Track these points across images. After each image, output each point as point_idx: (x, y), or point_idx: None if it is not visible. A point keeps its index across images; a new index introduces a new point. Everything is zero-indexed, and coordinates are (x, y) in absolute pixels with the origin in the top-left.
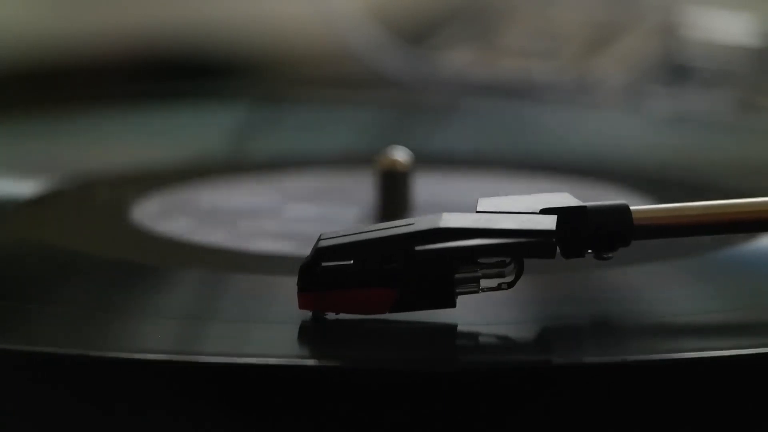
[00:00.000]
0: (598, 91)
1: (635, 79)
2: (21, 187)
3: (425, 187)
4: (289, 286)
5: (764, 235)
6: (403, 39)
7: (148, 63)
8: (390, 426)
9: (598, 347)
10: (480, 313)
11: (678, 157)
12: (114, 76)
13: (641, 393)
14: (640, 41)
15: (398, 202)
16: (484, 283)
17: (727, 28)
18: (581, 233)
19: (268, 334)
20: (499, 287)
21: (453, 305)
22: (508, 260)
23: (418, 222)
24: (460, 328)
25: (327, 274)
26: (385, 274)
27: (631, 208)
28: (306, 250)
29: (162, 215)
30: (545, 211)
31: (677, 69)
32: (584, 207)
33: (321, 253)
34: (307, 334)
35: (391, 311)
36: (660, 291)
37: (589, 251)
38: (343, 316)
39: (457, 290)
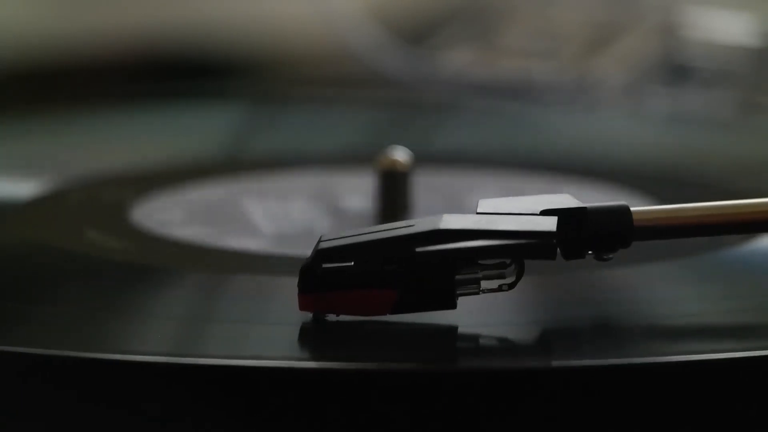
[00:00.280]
0: (598, 91)
1: (635, 79)
2: (21, 187)
3: (425, 187)
4: (289, 287)
5: (764, 236)
6: (403, 39)
7: (148, 63)
8: (391, 428)
9: (598, 349)
10: (480, 314)
11: (678, 157)
12: (114, 76)
13: (642, 395)
14: (640, 41)
15: (398, 202)
16: (485, 284)
17: (727, 28)
18: (582, 234)
19: (269, 335)
20: (499, 288)
21: (453, 306)
22: (508, 261)
23: (419, 223)
24: (460, 329)
25: (327, 276)
26: (385, 276)
27: (632, 209)
28: (306, 252)
29: (162, 215)
30: (546, 213)
31: (677, 69)
32: (584, 208)
33: (321, 254)
34: (307, 335)
35: (392, 312)
36: (660, 292)
37: (590, 252)
38: (343, 317)
39: (458, 291)
